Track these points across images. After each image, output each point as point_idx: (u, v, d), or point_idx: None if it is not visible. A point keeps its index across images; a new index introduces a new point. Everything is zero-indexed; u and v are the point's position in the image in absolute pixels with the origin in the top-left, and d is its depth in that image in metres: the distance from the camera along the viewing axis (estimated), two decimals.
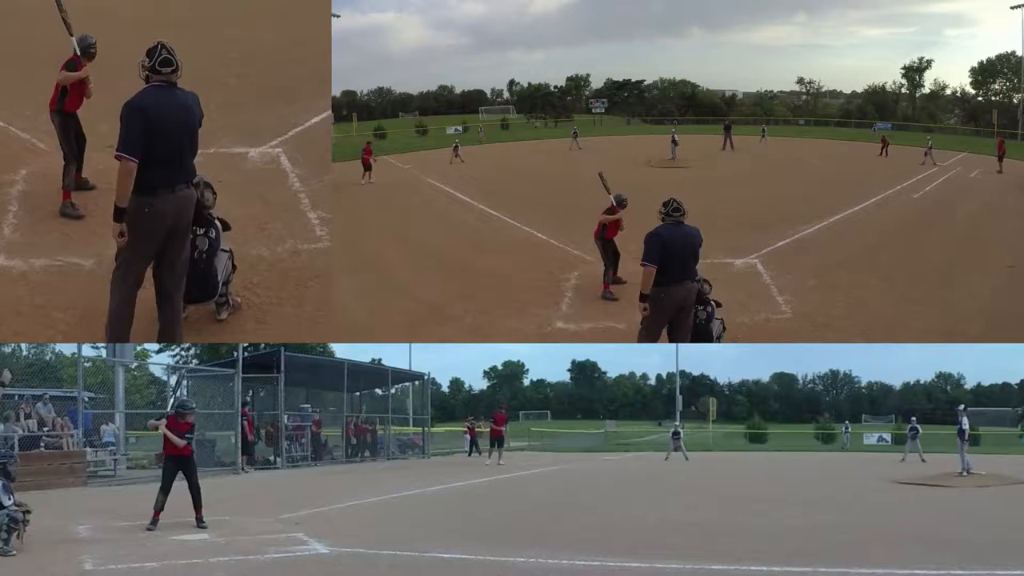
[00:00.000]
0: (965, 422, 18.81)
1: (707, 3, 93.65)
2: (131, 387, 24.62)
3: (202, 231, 7.86)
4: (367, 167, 25.85)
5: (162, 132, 6.67)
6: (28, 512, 7.82)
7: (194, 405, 10.41)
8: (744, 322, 11.47)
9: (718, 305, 10.56)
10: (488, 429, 24.92)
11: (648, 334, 8.89)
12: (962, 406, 20.45)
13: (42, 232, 8.54)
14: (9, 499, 7.65)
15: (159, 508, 9.09)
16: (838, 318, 11.84)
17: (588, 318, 11.62)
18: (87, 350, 16.49)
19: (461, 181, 26.39)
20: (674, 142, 36.80)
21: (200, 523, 9.13)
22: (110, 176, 8.87)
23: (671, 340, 9.22)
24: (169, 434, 9.28)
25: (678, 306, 8.84)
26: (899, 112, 69.89)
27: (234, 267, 8.14)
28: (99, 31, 9.28)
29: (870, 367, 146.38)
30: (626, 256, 12.87)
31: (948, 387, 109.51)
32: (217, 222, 8.10)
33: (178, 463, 9.35)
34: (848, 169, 32.79)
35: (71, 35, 8.80)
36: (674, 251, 8.61)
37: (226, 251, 8.10)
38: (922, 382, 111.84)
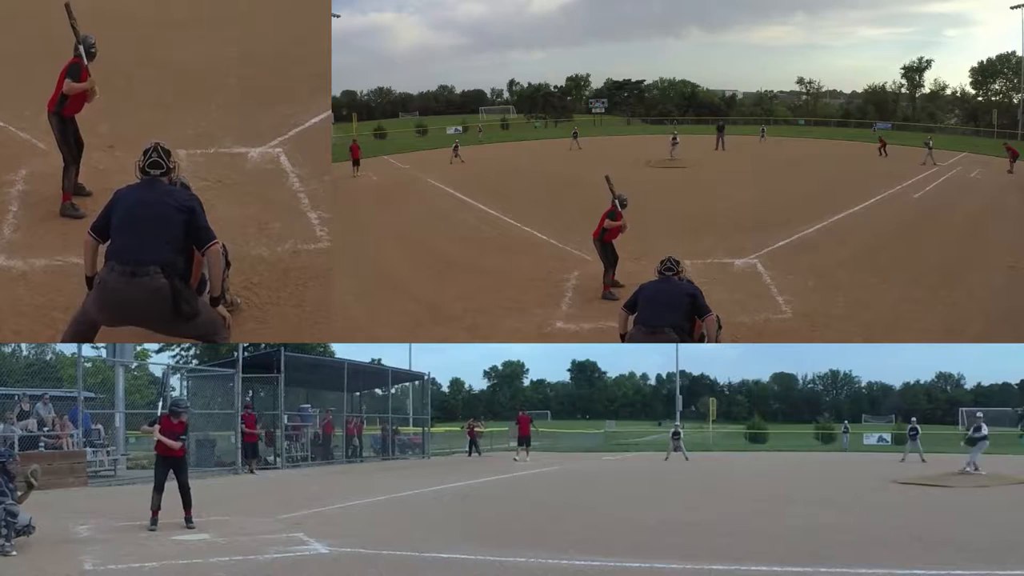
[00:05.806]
0: (985, 429, 18.58)
1: (707, 3, 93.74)
2: (131, 387, 24.65)
3: None
4: (356, 162, 28.14)
5: (127, 211, 6.71)
6: (31, 527, 7.81)
7: (187, 404, 10.37)
8: (744, 322, 11.46)
9: None
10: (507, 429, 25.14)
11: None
12: (980, 413, 20.58)
13: (42, 232, 8.54)
14: (7, 495, 7.65)
15: (155, 507, 9.08)
16: (838, 318, 11.83)
17: (588, 318, 11.61)
18: (87, 350, 16.45)
19: (461, 181, 26.38)
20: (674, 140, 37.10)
21: (188, 523, 9.10)
22: (110, 176, 8.98)
23: None
24: (163, 439, 9.24)
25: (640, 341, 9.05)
26: (899, 112, 69.93)
27: (228, 264, 8.11)
28: (98, 30, 9.26)
29: (870, 367, 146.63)
30: (625, 257, 12.88)
31: (948, 387, 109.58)
32: None
33: (169, 463, 9.30)
34: (848, 169, 32.77)
35: (78, 40, 8.73)
36: (648, 299, 8.88)
37: None
38: (922, 382, 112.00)
